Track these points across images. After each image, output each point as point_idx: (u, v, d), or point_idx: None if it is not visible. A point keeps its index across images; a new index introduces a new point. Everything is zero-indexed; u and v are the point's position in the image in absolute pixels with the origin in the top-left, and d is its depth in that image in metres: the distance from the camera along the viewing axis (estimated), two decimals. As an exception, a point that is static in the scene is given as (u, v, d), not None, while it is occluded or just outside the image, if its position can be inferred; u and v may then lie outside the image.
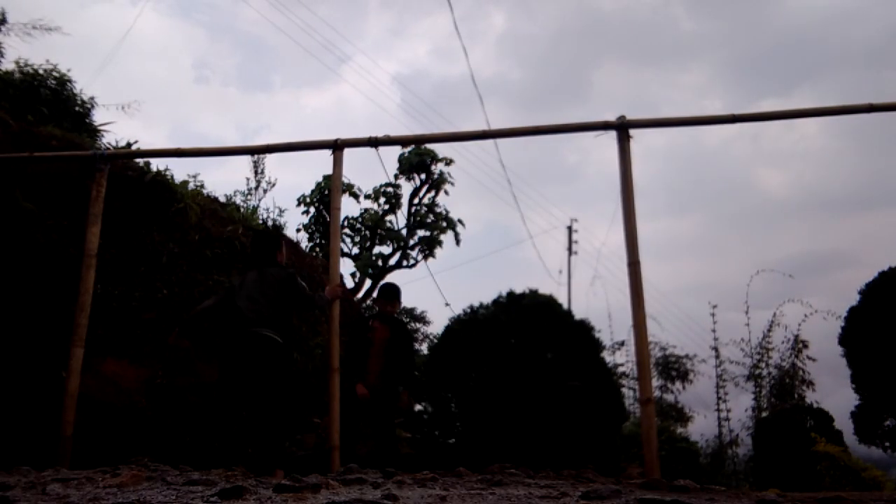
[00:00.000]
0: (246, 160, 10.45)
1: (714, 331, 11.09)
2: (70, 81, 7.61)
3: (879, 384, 6.33)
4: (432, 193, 10.91)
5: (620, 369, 12.63)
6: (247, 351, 4.31)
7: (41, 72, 7.43)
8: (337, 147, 4.46)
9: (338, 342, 4.22)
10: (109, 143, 7.15)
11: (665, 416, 13.37)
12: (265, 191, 10.12)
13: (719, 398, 10.88)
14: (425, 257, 10.78)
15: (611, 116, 4.11)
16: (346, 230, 10.57)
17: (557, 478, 2.55)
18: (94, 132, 7.57)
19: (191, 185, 6.90)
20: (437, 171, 10.71)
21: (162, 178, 6.37)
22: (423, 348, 13.09)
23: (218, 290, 6.40)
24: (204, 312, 4.60)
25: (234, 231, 6.70)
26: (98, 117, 7.93)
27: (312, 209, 10.41)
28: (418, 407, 7.12)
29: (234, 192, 9.88)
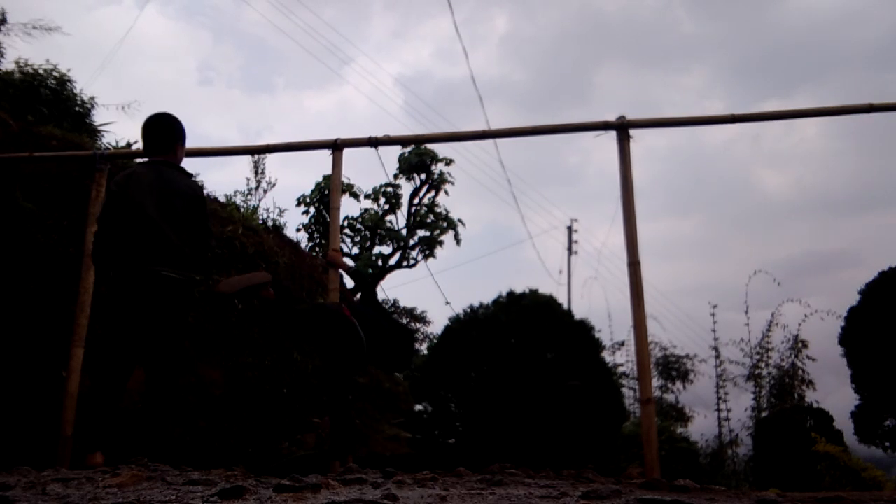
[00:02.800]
0: (246, 161, 10.48)
1: (714, 331, 11.11)
2: (70, 81, 7.62)
3: (879, 384, 6.33)
4: (432, 193, 10.92)
5: (620, 369, 12.65)
6: (145, 298, 3.38)
7: (41, 72, 7.44)
8: (337, 147, 4.45)
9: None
10: (109, 143, 7.16)
11: (665, 416, 13.38)
12: (265, 191, 10.15)
13: (719, 398, 10.89)
14: (425, 257, 10.79)
15: (611, 117, 4.10)
16: (346, 230, 10.58)
17: (557, 478, 2.55)
18: (94, 132, 7.58)
19: (191, 185, 6.89)
20: (437, 171, 10.72)
21: (162, 178, 6.36)
22: (423, 348, 13.11)
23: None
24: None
25: (234, 231, 6.71)
26: (98, 117, 7.95)
27: (312, 209, 10.42)
28: (418, 407, 7.12)
29: (235, 192, 9.92)
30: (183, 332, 3.57)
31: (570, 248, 22.05)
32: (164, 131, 3.76)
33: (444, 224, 10.77)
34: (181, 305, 3.52)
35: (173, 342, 3.50)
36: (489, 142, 11.64)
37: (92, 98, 7.86)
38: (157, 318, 3.42)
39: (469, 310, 6.93)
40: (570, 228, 22.45)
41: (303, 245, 10.01)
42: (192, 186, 3.71)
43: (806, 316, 9.12)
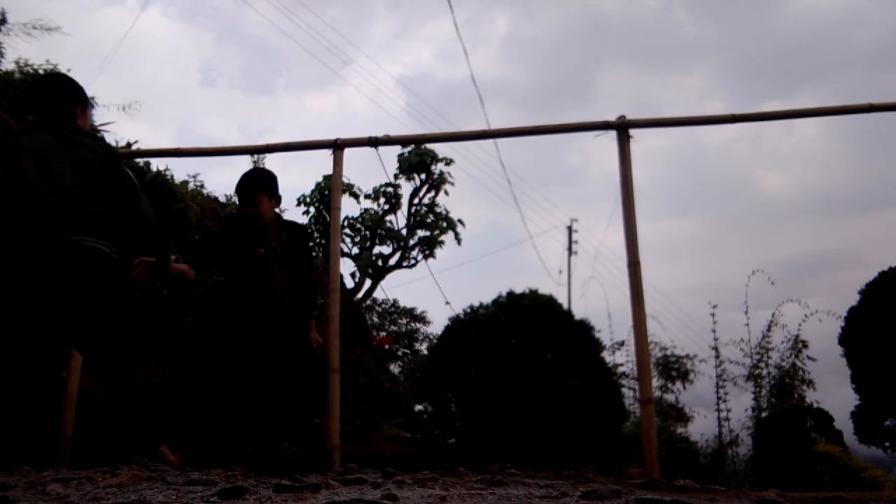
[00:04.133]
0: (246, 161, 10.48)
1: (714, 331, 11.12)
2: (70, 81, 7.62)
3: (879, 384, 6.33)
4: (432, 193, 10.95)
5: (620, 369, 12.65)
6: (54, 273, 2.83)
7: (41, 72, 7.43)
8: (337, 147, 4.45)
9: (338, 342, 4.22)
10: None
11: (665, 416, 13.39)
12: (265, 191, 10.14)
13: (719, 398, 10.89)
14: (425, 257, 10.82)
15: (612, 117, 4.09)
16: (346, 230, 10.60)
17: (557, 478, 2.55)
18: (94, 132, 7.58)
19: (191, 186, 6.91)
20: (437, 171, 10.74)
21: (162, 178, 6.38)
22: (423, 348, 13.13)
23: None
24: None
25: (234, 231, 6.71)
26: (98, 117, 7.95)
27: (312, 209, 10.44)
28: (418, 407, 7.12)
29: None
30: (114, 316, 3.04)
31: (570, 248, 22.11)
32: (56, 94, 3.10)
33: (444, 224, 10.79)
34: (95, 278, 2.92)
35: (98, 326, 3.00)
36: (489, 142, 11.68)
37: (92, 98, 7.85)
38: (61, 295, 2.91)
39: (469, 310, 6.93)
40: (570, 228, 22.51)
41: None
42: (104, 149, 3.11)
43: (806, 316, 9.13)
